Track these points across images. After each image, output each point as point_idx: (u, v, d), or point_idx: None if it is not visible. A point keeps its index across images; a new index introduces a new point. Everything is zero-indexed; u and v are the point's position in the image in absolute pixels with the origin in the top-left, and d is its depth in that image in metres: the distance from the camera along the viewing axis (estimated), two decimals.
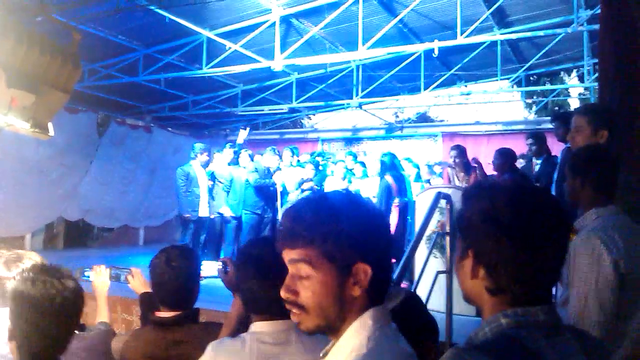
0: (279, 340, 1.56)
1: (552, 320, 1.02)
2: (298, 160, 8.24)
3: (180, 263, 2.16)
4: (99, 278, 2.63)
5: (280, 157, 7.88)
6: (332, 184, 7.71)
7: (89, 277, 2.66)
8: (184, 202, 7.19)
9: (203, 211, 7.37)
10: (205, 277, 2.38)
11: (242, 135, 8.31)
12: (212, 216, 7.55)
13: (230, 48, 7.85)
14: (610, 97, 3.72)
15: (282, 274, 1.48)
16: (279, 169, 7.65)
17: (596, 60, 9.47)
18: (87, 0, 6.19)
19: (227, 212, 7.53)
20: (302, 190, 7.61)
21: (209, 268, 2.36)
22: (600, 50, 3.98)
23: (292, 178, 7.70)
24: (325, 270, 1.06)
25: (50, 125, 3.68)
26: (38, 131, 3.55)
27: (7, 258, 2.36)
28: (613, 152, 2.58)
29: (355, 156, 8.68)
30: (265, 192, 7.41)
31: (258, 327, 1.59)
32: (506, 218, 1.01)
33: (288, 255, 1.11)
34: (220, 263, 2.12)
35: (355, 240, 1.05)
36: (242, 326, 1.75)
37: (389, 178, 6.84)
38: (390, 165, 7.05)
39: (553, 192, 4.06)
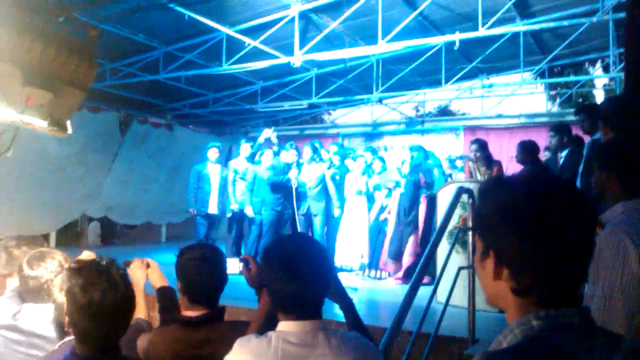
0: (305, 342, 1.53)
1: (587, 323, 0.96)
2: (320, 156, 8.20)
3: (214, 261, 2.15)
4: (136, 272, 2.59)
5: (299, 153, 7.89)
6: (352, 179, 7.67)
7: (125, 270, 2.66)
8: (191, 198, 7.41)
9: (212, 208, 7.48)
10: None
11: (265, 133, 8.31)
12: (228, 215, 7.61)
13: (249, 44, 7.85)
14: (636, 87, 3.63)
15: (309, 273, 1.56)
16: (297, 164, 7.65)
17: (622, 50, 9.28)
18: (107, 0, 6.22)
19: (249, 212, 7.55)
20: (321, 184, 7.59)
21: (230, 265, 2.34)
22: (627, 39, 3.87)
23: (312, 174, 7.67)
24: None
25: (68, 123, 3.70)
26: (56, 129, 3.56)
27: (30, 256, 2.39)
28: None
29: (374, 151, 8.62)
30: (284, 189, 7.42)
31: (284, 326, 1.56)
32: (526, 213, 0.95)
33: None
34: (241, 261, 2.10)
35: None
36: (271, 322, 1.71)
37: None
38: (424, 158, 7.20)
39: (578, 185, 3.99)
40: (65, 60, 3.46)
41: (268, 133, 8.24)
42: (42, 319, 2.27)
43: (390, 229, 7.18)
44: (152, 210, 11.40)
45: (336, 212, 7.64)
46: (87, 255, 2.46)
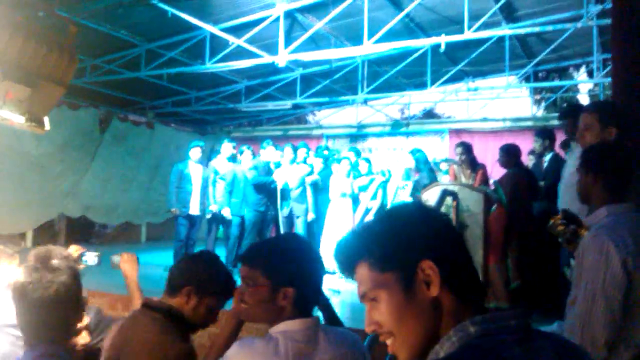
0: (310, 339, 1.54)
1: (524, 325, 0.92)
2: (304, 158, 8.12)
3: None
4: (125, 265, 2.61)
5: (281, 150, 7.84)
6: (336, 181, 7.60)
7: (117, 265, 2.62)
8: (172, 198, 7.28)
9: (194, 209, 7.36)
10: None
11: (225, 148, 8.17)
12: (207, 216, 7.50)
13: (233, 43, 7.75)
14: (624, 92, 3.62)
15: (319, 270, 1.64)
16: (279, 165, 7.58)
17: (606, 56, 9.36)
18: None
19: (227, 213, 7.43)
20: (303, 185, 7.52)
21: None
22: (613, 45, 3.86)
23: (294, 175, 7.59)
24: (387, 284, 0.98)
25: (46, 120, 3.61)
26: (34, 125, 3.48)
27: (37, 253, 2.36)
28: (627, 148, 2.51)
29: (357, 152, 8.54)
30: (267, 189, 7.34)
31: (289, 325, 1.55)
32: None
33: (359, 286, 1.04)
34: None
35: (405, 240, 0.98)
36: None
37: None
38: (424, 160, 7.23)
39: (560, 190, 3.99)
40: (45, 56, 3.40)
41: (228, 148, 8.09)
42: None
43: None
44: (132, 210, 11.21)
45: (309, 216, 7.58)
46: (74, 249, 2.52)
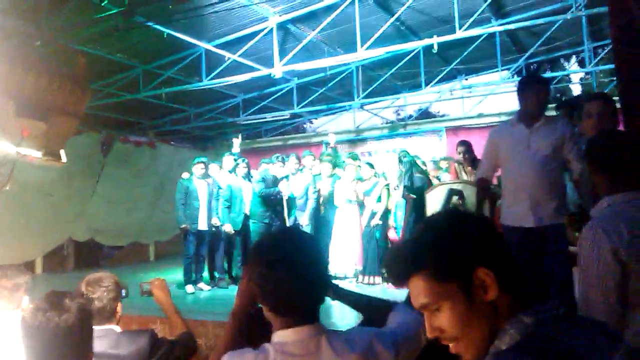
0: (308, 350, 1.39)
1: (571, 313, 1.00)
2: (303, 166, 8.19)
3: None
4: (158, 291, 2.65)
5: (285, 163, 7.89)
6: (342, 187, 7.66)
7: (148, 292, 2.68)
8: (180, 215, 7.33)
9: (202, 224, 7.41)
10: None
11: (236, 143, 8.34)
12: (213, 229, 7.57)
13: (229, 58, 7.85)
14: (629, 82, 3.69)
15: (312, 269, 1.43)
16: (286, 177, 7.64)
17: (596, 44, 9.46)
18: (85, 22, 6.18)
19: (229, 229, 7.49)
20: (307, 194, 7.59)
21: None
22: (614, 35, 3.91)
23: (298, 184, 7.66)
24: (449, 294, 1.03)
25: (62, 152, 3.67)
26: (51, 159, 3.54)
27: (88, 280, 2.44)
28: (634, 137, 2.56)
29: (355, 157, 8.55)
30: (272, 201, 7.41)
31: (281, 336, 1.41)
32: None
33: (413, 299, 1.09)
34: None
35: (460, 250, 1.03)
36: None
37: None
38: (413, 161, 7.39)
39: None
40: (58, 89, 3.45)
41: (238, 142, 8.35)
42: (111, 339, 2.32)
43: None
44: (139, 230, 11.28)
45: (303, 222, 7.60)
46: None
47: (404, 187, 7.18)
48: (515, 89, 3.82)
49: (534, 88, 3.66)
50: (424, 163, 8.10)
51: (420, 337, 1.47)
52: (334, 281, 1.80)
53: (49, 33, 5.84)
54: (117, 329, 2.40)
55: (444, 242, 1.04)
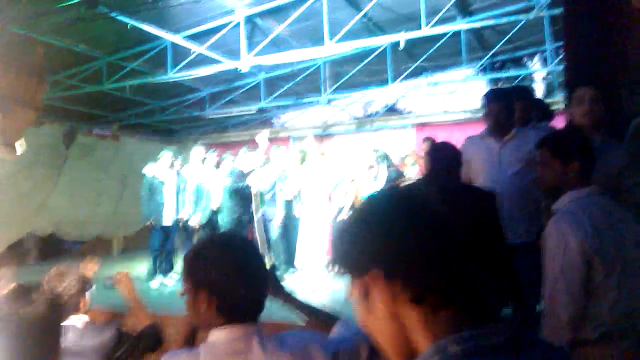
0: (236, 350, 1.41)
1: (514, 343, 0.79)
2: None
3: None
4: (121, 284, 2.66)
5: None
6: (309, 182, 7.69)
7: (111, 285, 2.69)
8: (145, 210, 7.25)
9: (168, 219, 7.34)
10: None
11: (264, 136, 8.10)
12: (180, 224, 7.50)
13: (194, 52, 7.77)
14: (576, 80, 3.80)
15: (257, 271, 1.52)
16: (253, 171, 7.62)
17: (557, 45, 9.67)
18: (46, 11, 6.03)
19: (196, 222, 7.44)
20: (274, 188, 7.58)
21: None
22: (565, 34, 4.04)
23: (266, 178, 7.64)
24: (354, 288, 0.90)
25: (17, 145, 3.58)
26: (6, 150, 3.45)
27: (50, 276, 2.42)
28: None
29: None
30: (241, 195, 7.37)
31: (214, 336, 1.45)
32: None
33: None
34: None
35: (362, 239, 0.87)
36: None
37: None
38: (385, 156, 7.58)
39: None
40: (15, 80, 3.36)
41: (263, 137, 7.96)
42: (74, 332, 2.32)
43: None
44: (103, 223, 11.09)
45: (278, 218, 7.58)
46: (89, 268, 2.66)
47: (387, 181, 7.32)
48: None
49: (498, 104, 3.55)
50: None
51: (360, 352, 1.47)
52: (286, 289, 1.84)
53: (7, 22, 5.69)
54: (84, 318, 2.38)
55: (344, 236, 0.90)
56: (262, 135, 7.85)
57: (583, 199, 2.19)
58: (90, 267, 3.02)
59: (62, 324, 1.86)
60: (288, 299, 1.81)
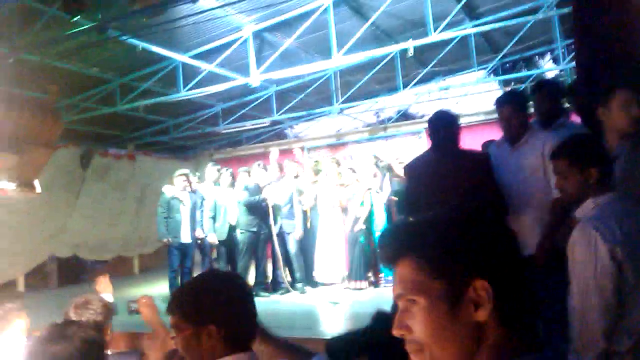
0: None
1: None
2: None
3: None
4: (145, 309, 2.64)
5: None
6: (325, 193, 7.69)
7: (136, 310, 2.68)
8: (162, 228, 7.29)
9: (185, 237, 7.36)
10: None
11: (274, 153, 8.07)
12: (198, 241, 7.52)
13: (205, 70, 7.84)
14: (587, 78, 3.75)
15: (241, 302, 1.55)
16: (268, 184, 7.62)
17: (568, 42, 9.60)
18: (57, 38, 6.12)
19: (213, 239, 7.45)
20: (291, 202, 7.58)
21: None
22: (576, 32, 3.99)
23: (282, 192, 7.63)
24: (432, 292, 0.85)
25: (36, 182, 3.62)
26: (25, 190, 3.49)
27: (76, 303, 2.42)
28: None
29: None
30: (258, 209, 7.37)
31: None
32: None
33: (394, 286, 0.92)
34: None
35: (467, 250, 0.85)
36: None
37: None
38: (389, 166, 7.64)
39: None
40: (29, 120, 3.40)
41: (276, 154, 7.95)
42: None
43: None
44: (122, 243, 11.18)
45: (297, 233, 7.54)
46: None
47: (392, 191, 7.35)
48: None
49: (508, 107, 3.43)
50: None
51: None
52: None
53: (21, 50, 5.79)
54: (107, 352, 2.38)
55: (455, 234, 0.87)
56: (273, 153, 7.87)
57: (608, 205, 2.12)
58: (104, 286, 3.03)
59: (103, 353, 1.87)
60: (263, 333, 1.81)
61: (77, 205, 10.03)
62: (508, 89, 13.93)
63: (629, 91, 2.63)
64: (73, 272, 11.15)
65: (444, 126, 3.45)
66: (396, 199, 7.30)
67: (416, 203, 3.50)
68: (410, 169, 3.69)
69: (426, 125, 3.68)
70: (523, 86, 13.23)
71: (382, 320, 1.32)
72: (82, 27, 6.08)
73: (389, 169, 7.62)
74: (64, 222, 9.88)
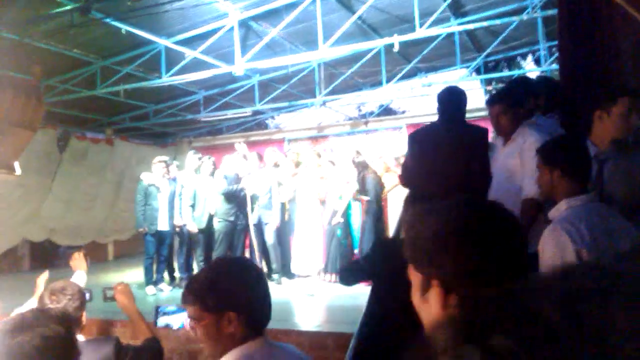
0: (265, 357, 1.52)
1: None
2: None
3: None
4: (121, 296, 2.62)
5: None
6: (303, 186, 7.68)
7: (112, 297, 2.67)
8: (139, 216, 7.18)
9: (163, 224, 7.28)
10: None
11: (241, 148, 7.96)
12: (177, 229, 7.44)
13: (188, 56, 7.75)
14: (570, 79, 3.81)
15: (256, 286, 1.59)
16: (248, 173, 7.56)
17: (551, 44, 9.72)
18: (40, 18, 6.00)
19: (193, 228, 7.38)
20: (270, 192, 7.56)
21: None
22: (560, 35, 4.04)
23: (261, 182, 7.59)
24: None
25: (16, 164, 3.56)
26: (4, 172, 3.43)
27: (52, 289, 2.37)
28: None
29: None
30: (236, 199, 7.33)
31: (244, 350, 1.50)
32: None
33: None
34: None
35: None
36: None
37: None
38: (366, 162, 7.62)
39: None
40: (12, 101, 3.33)
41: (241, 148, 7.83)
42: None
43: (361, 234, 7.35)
44: (97, 229, 11.03)
45: (274, 224, 7.46)
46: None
47: (357, 190, 7.35)
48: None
49: (496, 106, 3.46)
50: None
51: None
52: None
53: (2, 28, 5.67)
54: (81, 338, 2.35)
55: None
56: (239, 147, 7.74)
57: (580, 207, 2.16)
58: (78, 262, 3.00)
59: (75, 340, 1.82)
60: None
61: (52, 189, 9.85)
62: (490, 87, 14.10)
63: (632, 99, 2.65)
64: (46, 256, 10.97)
65: (453, 100, 3.67)
66: (367, 198, 7.31)
67: (414, 170, 3.68)
68: (417, 135, 3.83)
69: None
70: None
71: (380, 248, 1.60)
72: (65, 8, 5.98)
73: (365, 166, 7.62)
74: (38, 206, 9.71)
